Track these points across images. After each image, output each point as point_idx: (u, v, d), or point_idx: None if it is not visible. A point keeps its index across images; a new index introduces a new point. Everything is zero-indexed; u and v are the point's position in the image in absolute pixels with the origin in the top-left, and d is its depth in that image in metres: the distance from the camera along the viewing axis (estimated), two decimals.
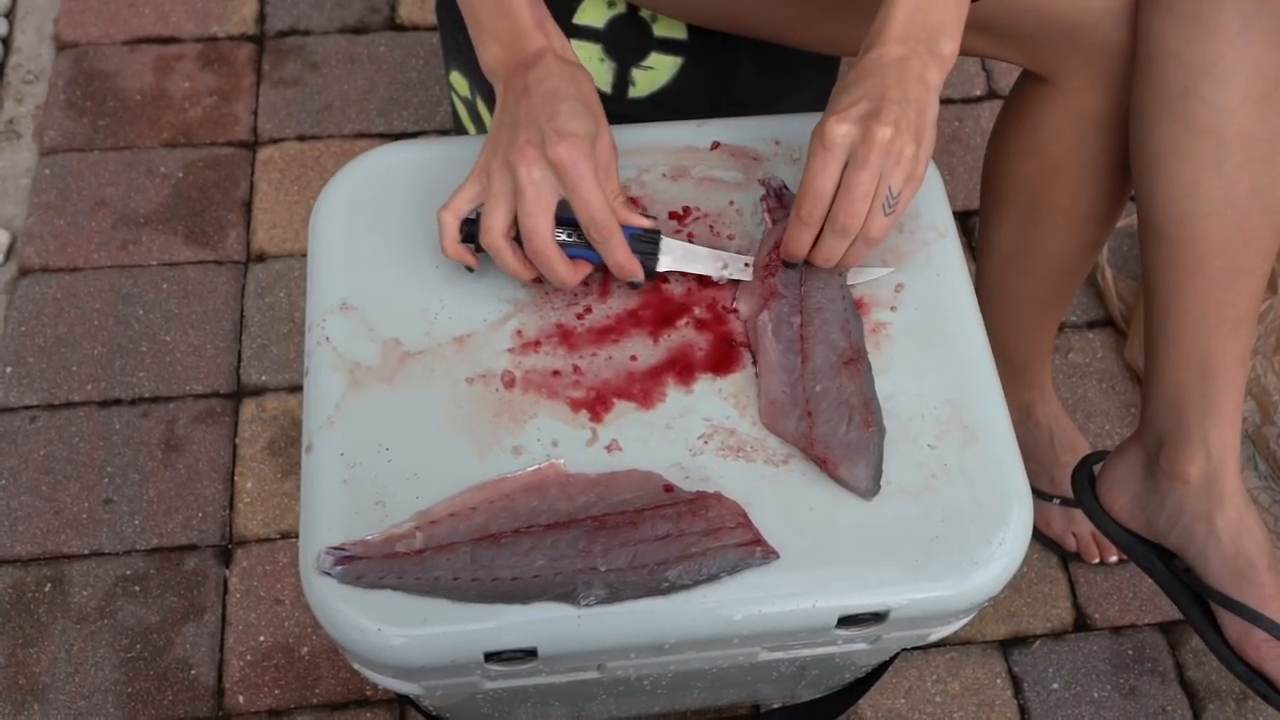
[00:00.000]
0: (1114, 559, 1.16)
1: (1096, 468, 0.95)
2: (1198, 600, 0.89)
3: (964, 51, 0.88)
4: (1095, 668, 1.12)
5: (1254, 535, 0.85)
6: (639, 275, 0.72)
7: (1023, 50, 0.85)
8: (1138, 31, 0.80)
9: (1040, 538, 1.18)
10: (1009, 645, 1.14)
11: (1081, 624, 1.15)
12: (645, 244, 0.73)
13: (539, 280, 0.73)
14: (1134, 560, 0.93)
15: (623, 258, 0.71)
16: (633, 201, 0.78)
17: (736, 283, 0.75)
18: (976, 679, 1.12)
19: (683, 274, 0.75)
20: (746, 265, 0.75)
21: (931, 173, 0.81)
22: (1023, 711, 1.10)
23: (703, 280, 0.76)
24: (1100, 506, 0.93)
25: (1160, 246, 0.83)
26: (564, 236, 0.70)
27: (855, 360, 0.72)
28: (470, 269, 0.73)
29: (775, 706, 1.04)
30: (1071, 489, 0.96)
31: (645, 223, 0.73)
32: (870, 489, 0.68)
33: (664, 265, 0.74)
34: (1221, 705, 1.11)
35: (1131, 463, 0.91)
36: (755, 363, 0.72)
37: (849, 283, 0.75)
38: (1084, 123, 0.86)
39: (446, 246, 0.71)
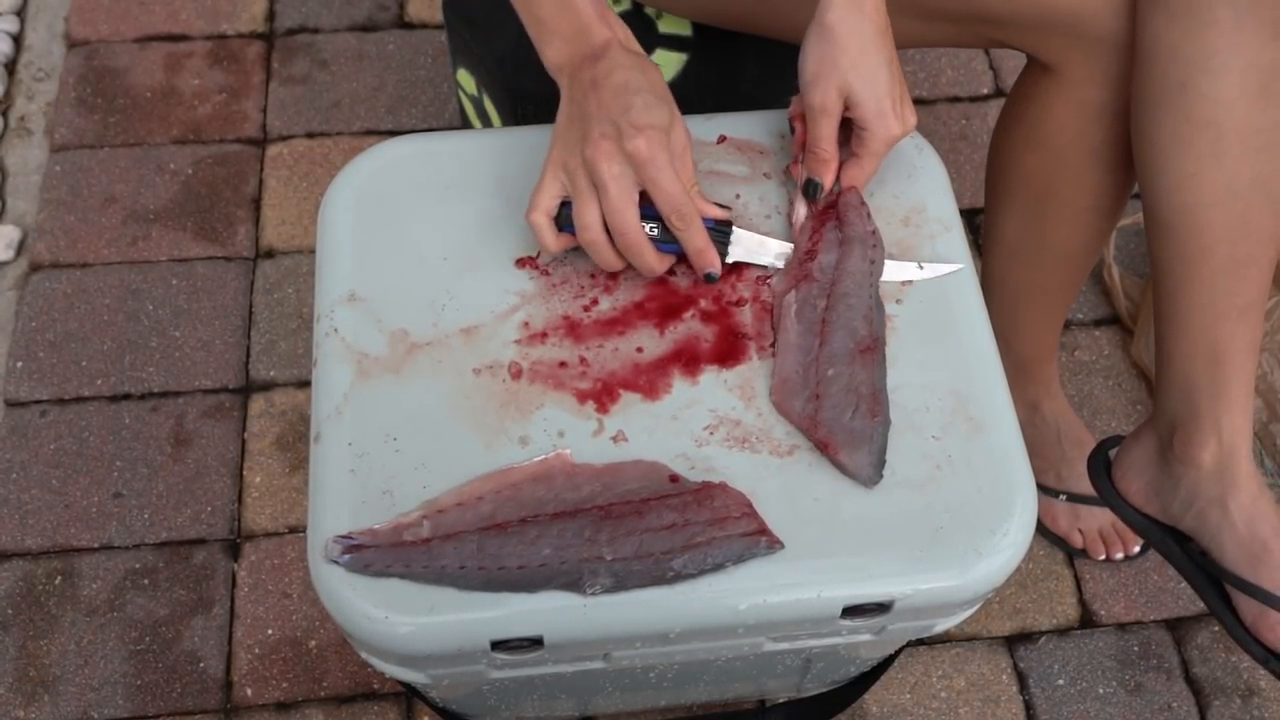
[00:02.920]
0: (1120, 555, 1.16)
1: (1112, 453, 0.96)
2: (1214, 583, 0.89)
3: (969, 43, 0.89)
4: (1101, 664, 1.13)
5: (1268, 518, 0.86)
6: (717, 266, 0.73)
7: (1026, 40, 0.85)
8: (1136, 26, 0.80)
9: (1046, 534, 1.18)
10: (1014, 641, 1.14)
11: (1087, 620, 1.15)
12: (718, 235, 0.74)
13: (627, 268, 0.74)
14: (1150, 543, 0.94)
15: (702, 243, 0.72)
16: None
17: (746, 273, 0.76)
18: (982, 674, 1.12)
19: (690, 267, 0.76)
20: None
21: (937, 168, 0.82)
22: (1028, 707, 1.11)
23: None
24: (1116, 491, 0.94)
25: (1166, 237, 0.83)
26: (648, 229, 0.72)
27: (872, 349, 0.72)
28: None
29: (781, 700, 1.05)
30: (1088, 474, 0.97)
31: (719, 213, 0.74)
32: (871, 477, 0.68)
33: (735, 256, 0.75)
34: (1227, 702, 1.11)
35: (1146, 448, 0.92)
36: (775, 341, 0.73)
37: (902, 278, 0.76)
38: (1088, 114, 0.87)
39: (550, 245, 0.73)
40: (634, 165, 0.69)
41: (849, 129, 0.76)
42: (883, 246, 0.76)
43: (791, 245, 0.76)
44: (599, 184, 0.69)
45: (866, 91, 0.73)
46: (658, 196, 0.70)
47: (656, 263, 0.72)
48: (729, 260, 0.75)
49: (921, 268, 0.76)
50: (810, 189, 0.77)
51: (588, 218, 0.70)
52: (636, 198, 0.70)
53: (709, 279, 0.74)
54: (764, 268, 0.76)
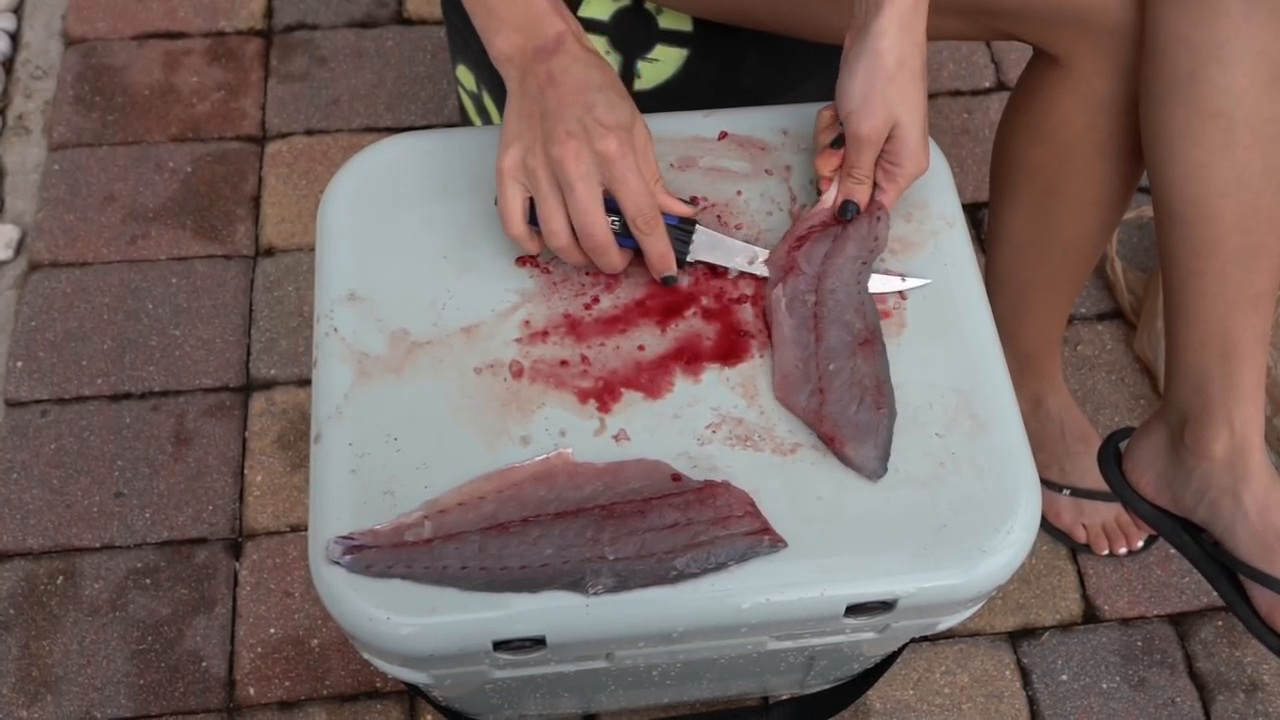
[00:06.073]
0: (1123, 550, 1.16)
1: (1122, 445, 0.96)
2: (1227, 574, 0.89)
3: (976, 35, 0.88)
4: (1104, 659, 1.12)
5: None
6: (673, 270, 0.73)
7: (1035, 32, 0.85)
8: (1145, 17, 0.80)
9: (1049, 529, 1.17)
10: (1018, 637, 1.13)
11: (1090, 615, 1.15)
12: (680, 232, 0.73)
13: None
14: (1162, 535, 0.94)
15: (663, 248, 0.72)
16: None
17: (746, 274, 0.76)
18: (985, 670, 1.12)
19: (691, 264, 0.75)
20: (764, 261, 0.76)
21: (940, 163, 0.81)
22: (1031, 703, 1.10)
23: (712, 270, 0.76)
24: (1127, 484, 0.94)
25: (1176, 228, 0.83)
26: (611, 222, 0.71)
27: (870, 342, 0.72)
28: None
29: (784, 697, 1.05)
30: (1098, 467, 0.97)
31: (684, 209, 0.73)
32: (876, 470, 0.68)
33: (696, 255, 0.74)
34: (1231, 696, 1.11)
35: (1156, 440, 0.92)
36: (770, 336, 0.73)
37: (884, 290, 0.75)
38: (1095, 106, 0.86)
39: (536, 249, 0.73)
40: (602, 164, 0.68)
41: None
42: (884, 236, 0.75)
43: (757, 249, 0.75)
44: (565, 183, 0.68)
45: (911, 127, 0.72)
46: (623, 197, 0.69)
47: (620, 261, 0.72)
48: (689, 259, 0.74)
49: (904, 279, 0.76)
50: (847, 211, 0.75)
51: (554, 223, 0.70)
52: (601, 197, 0.69)
53: (666, 282, 0.73)
54: (727, 269, 0.75)
